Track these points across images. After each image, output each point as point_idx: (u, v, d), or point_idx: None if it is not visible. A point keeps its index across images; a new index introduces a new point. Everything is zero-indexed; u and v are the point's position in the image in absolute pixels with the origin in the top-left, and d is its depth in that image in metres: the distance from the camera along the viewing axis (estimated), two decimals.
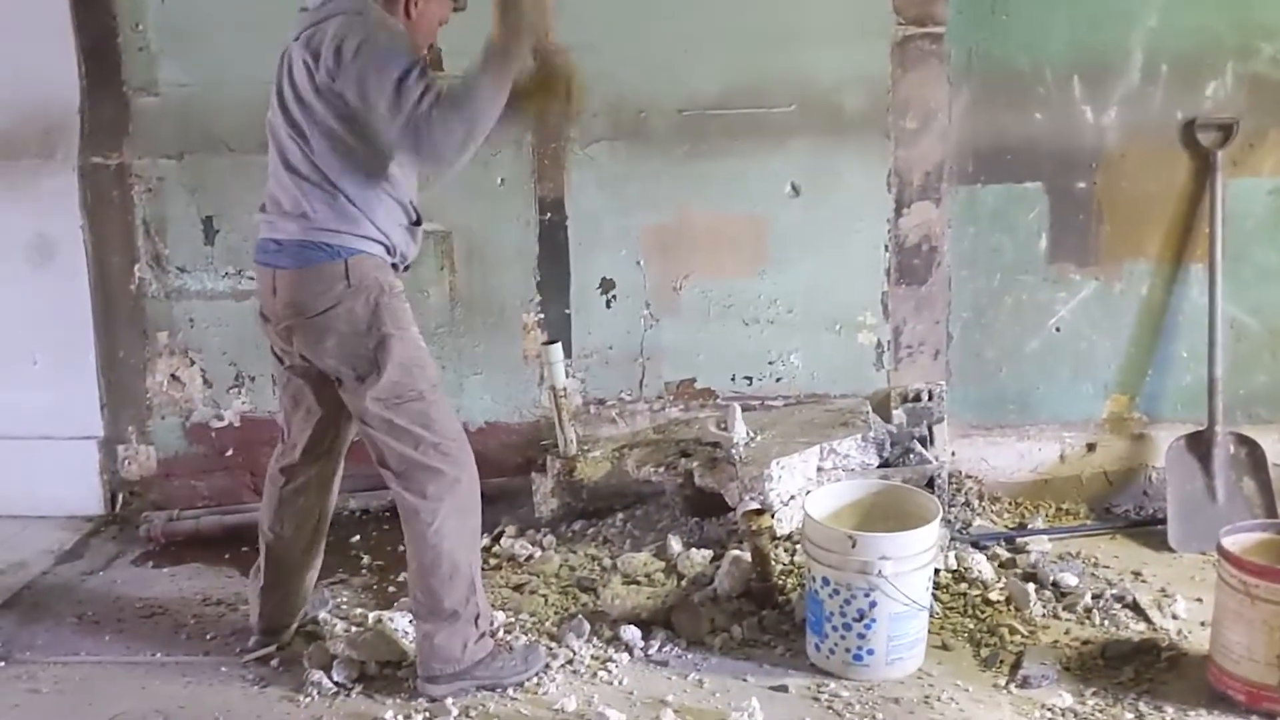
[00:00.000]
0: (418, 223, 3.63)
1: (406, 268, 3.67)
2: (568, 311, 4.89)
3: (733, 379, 4.91)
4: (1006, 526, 4.68)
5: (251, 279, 4.76)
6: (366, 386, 3.47)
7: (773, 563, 4.08)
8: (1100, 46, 4.58)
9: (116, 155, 4.91)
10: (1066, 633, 3.87)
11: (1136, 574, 4.28)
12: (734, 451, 4.31)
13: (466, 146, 3.30)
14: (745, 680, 3.67)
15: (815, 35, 4.61)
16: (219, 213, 4.91)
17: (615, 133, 4.74)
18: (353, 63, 3.30)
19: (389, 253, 3.54)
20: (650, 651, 3.82)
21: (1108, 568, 4.34)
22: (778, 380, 4.89)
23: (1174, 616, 3.96)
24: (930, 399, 4.78)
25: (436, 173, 3.69)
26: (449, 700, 3.55)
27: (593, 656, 3.80)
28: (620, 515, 4.65)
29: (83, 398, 5.07)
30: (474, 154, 3.35)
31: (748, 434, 4.51)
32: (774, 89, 4.66)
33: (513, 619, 4.03)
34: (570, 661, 3.77)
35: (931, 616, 3.76)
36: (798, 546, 4.25)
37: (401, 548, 3.71)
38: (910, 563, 3.55)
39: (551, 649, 3.82)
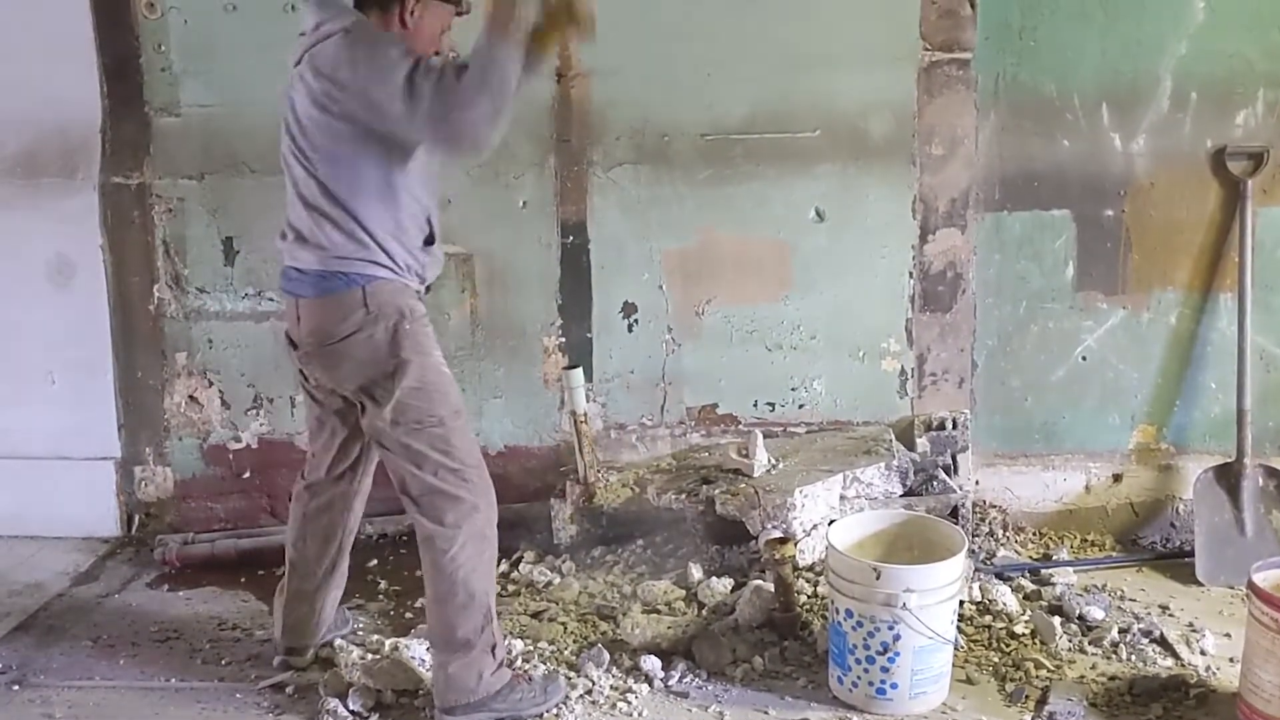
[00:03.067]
0: (431, 240, 3.58)
1: (428, 289, 3.64)
2: (589, 335, 4.86)
3: (755, 405, 4.87)
4: (1031, 557, 4.63)
5: (271, 300, 4.78)
6: (386, 411, 3.45)
7: (796, 592, 4.03)
8: (1129, 73, 4.54)
9: (137, 175, 4.89)
10: (1093, 667, 3.82)
11: (1164, 608, 4.24)
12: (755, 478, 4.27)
13: (498, 117, 3.23)
14: (767, 713, 3.63)
15: (841, 60, 4.58)
16: (239, 234, 4.89)
17: (638, 156, 4.71)
18: (354, 80, 3.28)
19: (411, 273, 3.52)
20: (671, 682, 3.78)
21: (1134, 601, 4.29)
22: (800, 407, 4.85)
23: (1202, 652, 3.91)
24: (954, 427, 4.74)
25: (476, 154, 3.59)
26: None
27: (612, 687, 3.76)
28: (640, 542, 4.61)
29: (100, 418, 5.05)
30: (506, 125, 3.28)
31: (769, 461, 4.49)
32: (799, 114, 4.63)
33: (531, 647, 3.99)
34: (589, 692, 3.73)
35: (956, 650, 3.71)
36: (819, 577, 4.22)
37: (418, 573, 3.68)
38: (935, 595, 3.50)
39: (570, 678, 3.78)
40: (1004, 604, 4.14)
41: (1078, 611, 4.10)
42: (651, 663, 3.83)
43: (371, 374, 3.45)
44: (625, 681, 3.78)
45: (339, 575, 3.96)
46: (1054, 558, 4.60)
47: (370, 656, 3.92)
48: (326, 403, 3.69)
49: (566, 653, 3.97)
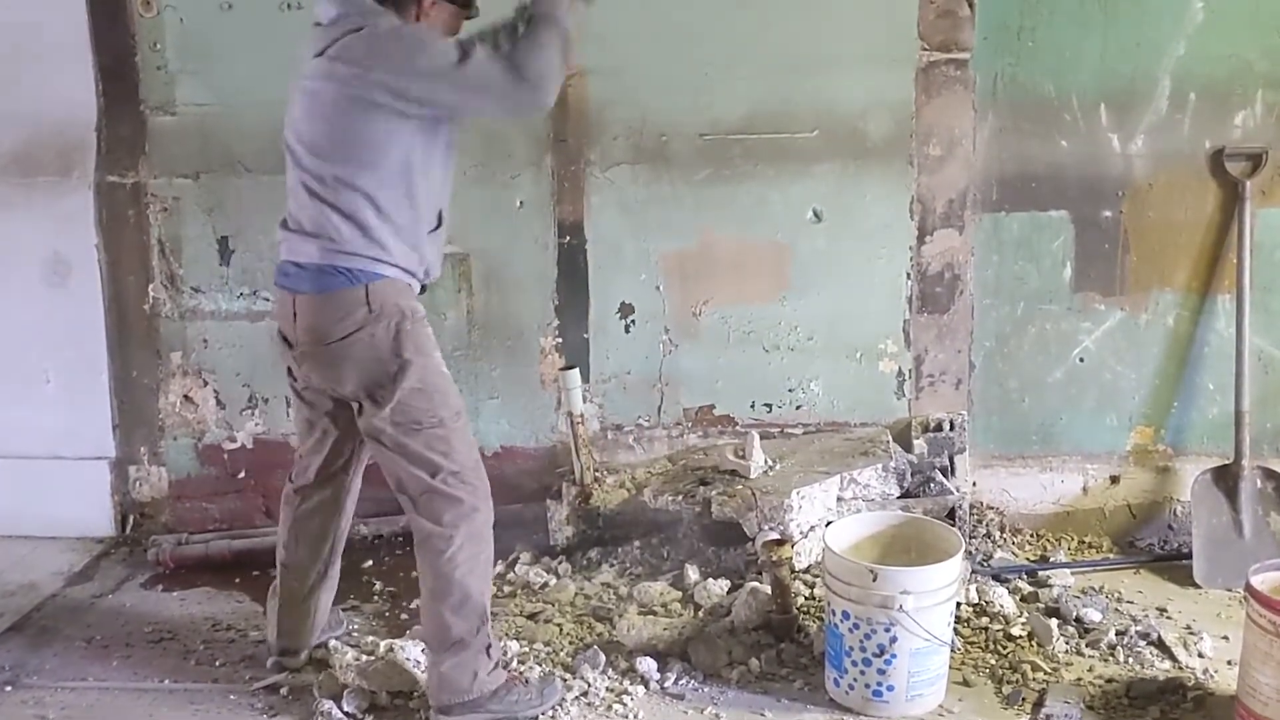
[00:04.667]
0: (439, 227, 3.58)
1: (424, 289, 3.62)
2: (586, 336, 4.84)
3: (752, 406, 4.86)
4: (1028, 559, 4.62)
5: (267, 300, 4.75)
6: (385, 412, 3.43)
7: (793, 594, 4.02)
8: (1128, 74, 4.53)
9: (133, 174, 4.88)
10: (1090, 670, 3.81)
11: (1161, 610, 4.22)
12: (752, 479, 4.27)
13: (564, 68, 3.44)
14: (763, 715, 3.62)
15: (839, 60, 4.56)
16: (235, 233, 4.88)
17: (636, 156, 4.70)
18: (405, 66, 3.30)
19: (413, 274, 3.50)
20: (666, 684, 3.77)
21: (1131, 603, 4.28)
22: (797, 408, 4.84)
23: (1200, 655, 3.90)
24: (952, 429, 4.73)
25: (544, 108, 3.53)
26: None
27: (608, 688, 3.75)
28: (636, 543, 4.59)
29: (95, 418, 5.04)
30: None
31: (766, 462, 4.47)
32: (797, 114, 4.62)
33: (526, 648, 3.98)
34: (585, 693, 3.72)
35: (953, 652, 3.70)
36: (816, 579, 4.21)
37: (414, 573, 3.67)
38: (932, 597, 3.49)
39: (566, 680, 3.77)
40: (1001, 606, 4.13)
41: (1075, 613, 4.08)
42: (647, 664, 3.81)
43: (372, 374, 3.43)
44: (621, 683, 3.77)
45: (332, 577, 3.95)
46: (1051, 560, 4.59)
47: (365, 658, 3.92)
48: (317, 404, 3.67)
49: (562, 654, 3.96)
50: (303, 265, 3.45)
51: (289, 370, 3.68)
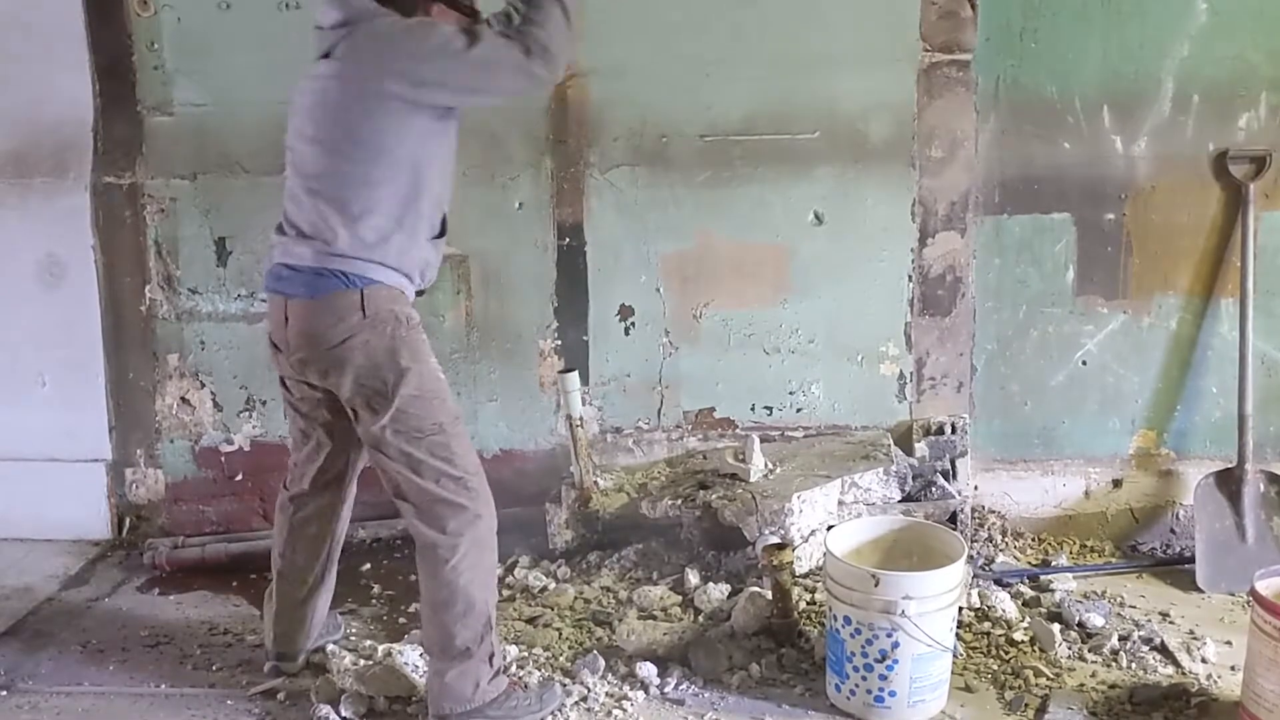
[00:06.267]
0: (442, 234, 3.56)
1: (420, 293, 3.60)
2: (585, 338, 4.82)
3: (752, 409, 4.83)
4: (1030, 563, 4.61)
5: (264, 301, 4.70)
6: (384, 420, 3.40)
7: (793, 599, 3.99)
8: (1131, 76, 4.51)
9: (129, 175, 4.86)
10: (1093, 675, 3.79)
11: (1164, 615, 4.21)
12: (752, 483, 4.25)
13: (574, 42, 3.52)
14: None
15: (840, 61, 4.54)
16: (232, 234, 4.85)
17: (636, 158, 4.68)
18: (419, 47, 3.33)
19: (410, 278, 3.48)
20: (666, 689, 3.75)
21: (1134, 608, 4.26)
22: (798, 411, 4.82)
23: (1203, 660, 3.88)
24: (953, 432, 4.71)
25: (554, 81, 3.59)
26: None
27: (607, 694, 3.73)
28: (636, 547, 4.57)
29: (91, 420, 5.02)
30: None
31: (767, 466, 4.46)
32: (798, 115, 4.60)
33: (526, 653, 3.96)
34: (584, 699, 3.70)
35: (955, 657, 3.68)
36: (817, 584, 4.19)
37: (413, 577, 3.65)
38: (934, 602, 3.47)
39: (565, 685, 3.75)
40: (1003, 611, 4.11)
41: (1077, 618, 4.07)
42: (647, 669, 3.79)
43: (368, 382, 3.40)
44: (621, 688, 3.75)
45: (328, 582, 3.93)
46: (1053, 564, 4.57)
47: (363, 662, 3.90)
48: (311, 414, 3.65)
49: (562, 659, 3.93)
50: (297, 268, 3.41)
51: (282, 380, 3.66)
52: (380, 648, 3.95)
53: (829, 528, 4.15)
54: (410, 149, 3.36)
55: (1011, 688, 3.72)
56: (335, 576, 3.96)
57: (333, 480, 3.77)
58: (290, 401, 3.68)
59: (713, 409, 4.85)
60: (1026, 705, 3.63)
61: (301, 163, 3.44)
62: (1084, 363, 4.74)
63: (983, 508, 4.82)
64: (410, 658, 3.81)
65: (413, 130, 3.35)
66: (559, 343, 4.84)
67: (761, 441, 4.53)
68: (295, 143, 3.46)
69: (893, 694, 3.52)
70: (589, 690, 3.73)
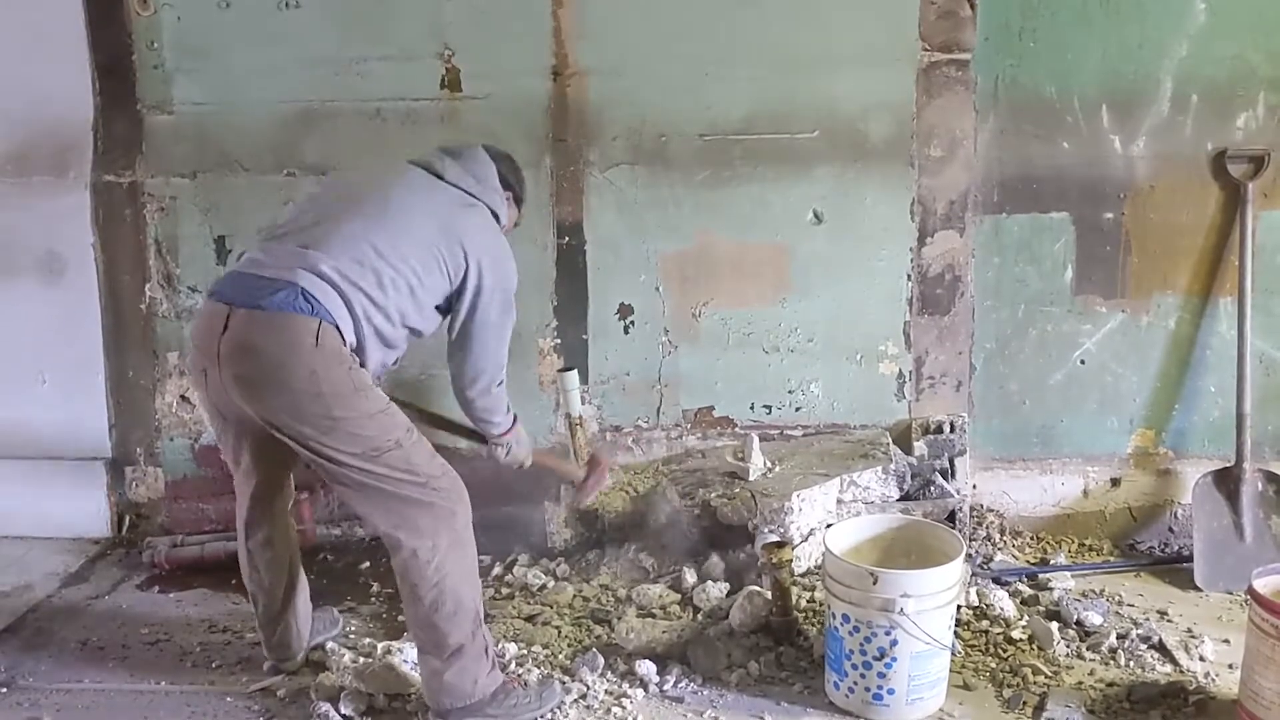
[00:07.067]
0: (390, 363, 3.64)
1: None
2: (585, 337, 4.83)
3: (751, 408, 4.84)
4: (1028, 562, 4.61)
5: None
6: (341, 448, 3.32)
7: (792, 597, 4.00)
8: (1130, 75, 4.52)
9: (129, 173, 4.86)
10: (1091, 674, 3.79)
11: (1162, 613, 4.21)
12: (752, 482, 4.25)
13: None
14: (762, 718, 3.60)
15: (840, 61, 4.55)
16: (231, 232, 4.85)
17: (635, 157, 4.68)
18: (480, 295, 3.61)
19: (360, 351, 3.43)
20: (666, 687, 3.75)
21: (1132, 606, 4.26)
22: (797, 410, 4.82)
23: (1201, 658, 3.89)
24: (952, 431, 4.72)
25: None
26: None
27: (606, 691, 3.73)
28: (635, 545, 4.57)
29: (91, 418, 5.03)
30: None
31: (766, 464, 4.46)
32: (797, 115, 4.60)
33: (525, 651, 3.96)
34: (584, 696, 3.70)
35: (953, 655, 3.68)
36: (816, 582, 4.19)
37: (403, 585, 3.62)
38: (933, 600, 3.47)
39: (565, 683, 3.75)
40: (1001, 609, 4.11)
41: (1075, 617, 4.07)
42: (646, 667, 3.79)
43: (311, 408, 3.28)
44: (620, 686, 3.75)
45: (301, 585, 3.93)
46: (1051, 562, 4.58)
47: (362, 660, 3.90)
48: (238, 434, 3.59)
49: (561, 657, 3.94)
50: (272, 279, 3.32)
51: (210, 403, 3.56)
52: (379, 645, 3.95)
53: (828, 526, 4.15)
54: (421, 308, 3.51)
55: (1010, 686, 3.72)
56: (304, 578, 3.96)
57: (275, 507, 3.80)
58: (218, 428, 3.64)
59: (712, 408, 4.86)
60: (1024, 703, 3.63)
61: (369, 218, 3.46)
62: (1082, 362, 4.75)
63: (981, 506, 4.83)
64: (409, 655, 3.80)
65: (437, 295, 3.54)
66: (558, 341, 4.84)
67: (760, 440, 4.54)
68: (378, 194, 3.52)
69: (891, 692, 3.52)
70: (588, 688, 3.73)
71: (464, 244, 3.52)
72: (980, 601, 4.15)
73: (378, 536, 4.73)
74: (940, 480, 4.60)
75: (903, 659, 3.48)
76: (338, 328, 3.31)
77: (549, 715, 3.58)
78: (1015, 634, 4.00)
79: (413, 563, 3.44)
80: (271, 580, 3.84)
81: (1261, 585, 3.43)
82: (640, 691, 3.72)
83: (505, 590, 4.40)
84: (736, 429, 4.83)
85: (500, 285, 3.64)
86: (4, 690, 3.87)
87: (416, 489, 3.41)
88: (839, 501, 4.42)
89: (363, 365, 3.42)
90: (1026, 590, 4.31)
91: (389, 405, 3.44)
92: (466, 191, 3.65)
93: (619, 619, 4.08)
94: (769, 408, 4.84)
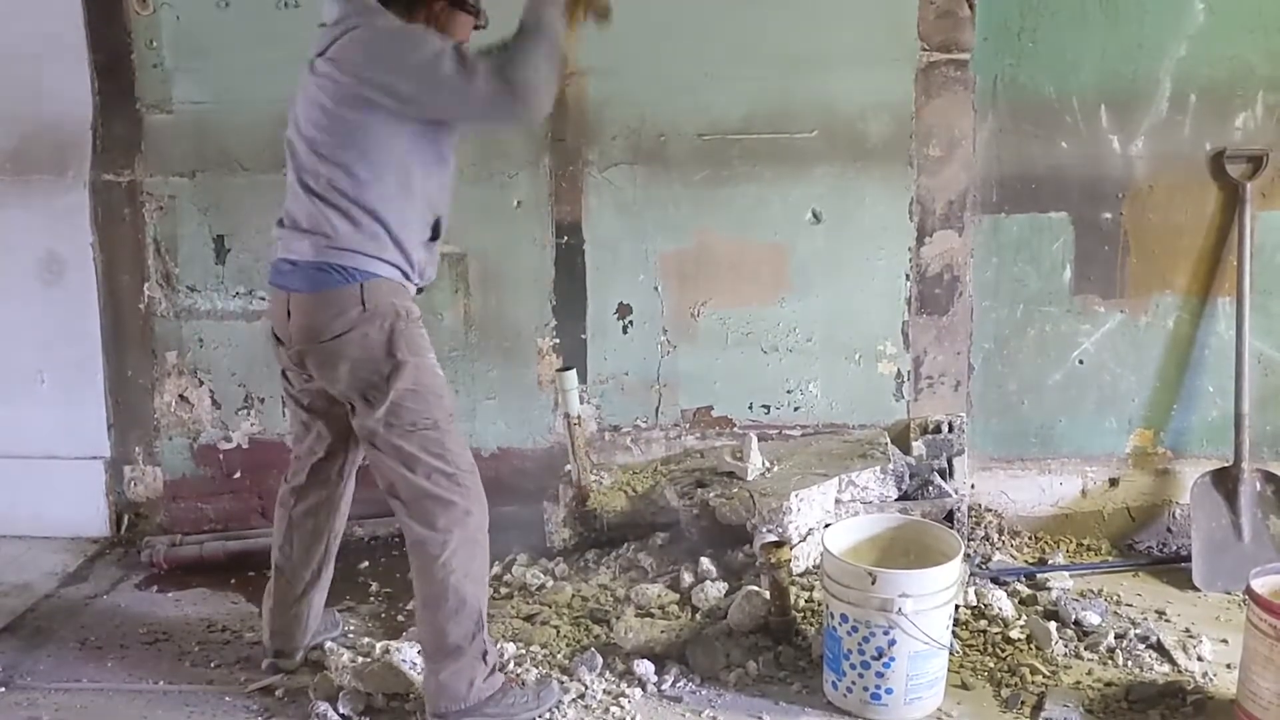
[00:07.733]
0: (435, 237, 3.55)
1: (419, 290, 3.59)
2: (584, 337, 4.83)
3: (750, 407, 4.84)
4: (1027, 562, 4.61)
5: (263, 299, 4.73)
6: (379, 413, 3.40)
7: (791, 596, 4.00)
8: (1129, 75, 4.52)
9: (128, 173, 4.86)
10: (1089, 673, 3.79)
11: (1160, 613, 4.21)
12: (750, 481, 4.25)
13: (554, 79, 3.34)
14: (760, 718, 3.60)
15: (839, 60, 4.55)
16: (230, 232, 4.85)
17: (634, 156, 4.68)
18: (398, 69, 3.27)
19: (408, 276, 3.47)
20: (664, 686, 3.75)
21: (1130, 606, 4.27)
22: (796, 409, 4.82)
23: (1199, 658, 3.89)
24: (950, 431, 4.72)
25: (534, 121, 3.53)
26: None
27: (605, 691, 3.73)
28: (634, 545, 4.57)
29: (90, 417, 5.02)
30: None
31: (765, 464, 4.46)
32: (796, 114, 4.60)
33: (523, 650, 3.96)
34: (582, 696, 3.70)
35: (951, 655, 3.68)
36: (815, 582, 4.19)
37: (410, 575, 3.63)
38: (931, 600, 3.47)
39: (563, 682, 3.75)
40: (1000, 609, 4.11)
41: (1074, 617, 4.07)
42: (645, 667, 3.79)
43: (365, 374, 3.39)
44: (618, 686, 3.75)
45: (325, 578, 3.93)
46: (1050, 562, 4.58)
47: (361, 659, 3.89)
48: (311, 406, 3.66)
49: (559, 656, 3.93)
50: (296, 263, 3.41)
51: (283, 373, 3.66)
52: (378, 645, 3.94)
53: (826, 526, 4.16)
54: (396, 153, 3.35)
55: (1008, 685, 3.72)
56: (332, 573, 3.96)
57: (331, 474, 3.77)
58: (291, 394, 3.69)
59: (710, 407, 4.86)
60: (1023, 703, 3.63)
61: (298, 158, 3.44)
62: (1081, 362, 4.75)
63: (980, 506, 4.83)
64: (408, 655, 3.80)
65: (400, 134, 3.34)
66: (557, 341, 4.84)
67: (759, 440, 4.53)
68: (292, 138, 3.46)
69: (889, 691, 3.52)
70: (586, 688, 3.73)
71: (333, 79, 3.33)
72: (978, 601, 4.15)
73: (376, 536, 4.83)
74: (938, 480, 4.59)
75: (901, 659, 3.48)
76: (376, 275, 3.38)
77: (547, 715, 3.58)
78: (1013, 634, 3.99)
79: (422, 553, 3.48)
80: (301, 557, 3.84)
81: (1260, 585, 3.43)
82: (638, 691, 3.72)
83: (504, 590, 4.39)
84: (735, 429, 4.83)
85: (394, 50, 3.31)
86: (2, 689, 3.87)
87: (442, 479, 3.44)
88: (837, 501, 4.41)
89: (423, 279, 3.53)
90: (1025, 590, 4.31)
91: (438, 383, 3.48)
92: (329, 43, 3.38)
93: (617, 618, 4.07)
94: (767, 407, 4.84)
